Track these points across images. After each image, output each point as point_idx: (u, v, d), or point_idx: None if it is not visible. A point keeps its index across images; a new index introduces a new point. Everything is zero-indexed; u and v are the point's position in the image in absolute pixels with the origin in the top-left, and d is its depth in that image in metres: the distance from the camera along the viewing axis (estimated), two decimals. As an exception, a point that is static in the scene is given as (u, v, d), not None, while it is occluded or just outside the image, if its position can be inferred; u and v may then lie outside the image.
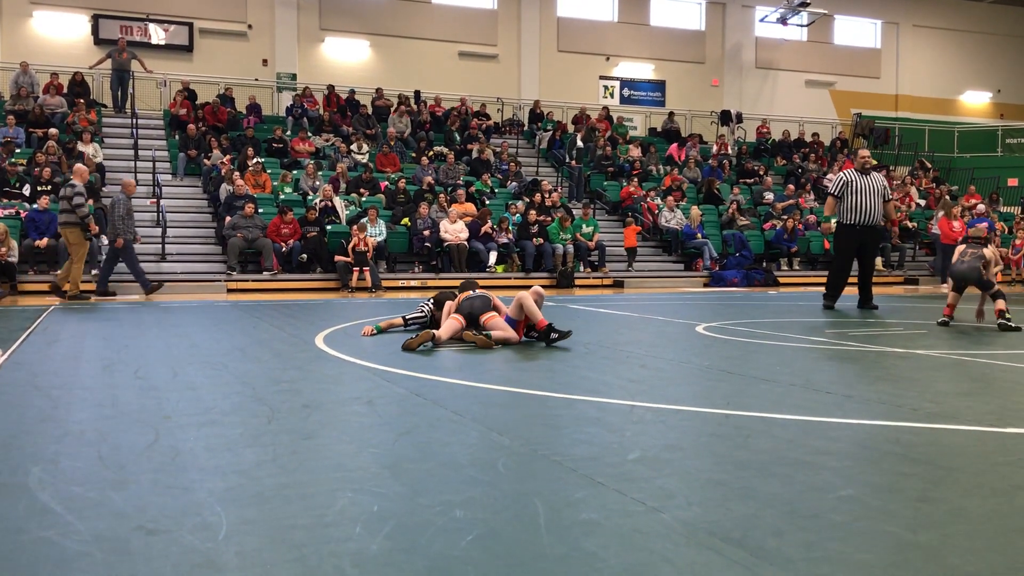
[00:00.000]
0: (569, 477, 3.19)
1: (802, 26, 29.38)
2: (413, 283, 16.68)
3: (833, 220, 12.02)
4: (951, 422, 4.24)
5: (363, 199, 18.18)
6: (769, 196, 22.25)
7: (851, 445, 3.81)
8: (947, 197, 22.81)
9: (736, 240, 19.67)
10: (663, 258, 20.03)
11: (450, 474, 3.24)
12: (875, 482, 3.20)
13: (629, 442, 3.75)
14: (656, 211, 20.49)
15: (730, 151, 25.71)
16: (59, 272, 13.44)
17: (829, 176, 23.55)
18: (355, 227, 16.03)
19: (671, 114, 27.17)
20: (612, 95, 28.53)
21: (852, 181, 11.42)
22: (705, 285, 18.39)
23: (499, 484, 3.10)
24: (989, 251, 9.78)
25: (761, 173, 24.11)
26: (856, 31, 31.77)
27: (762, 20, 29.07)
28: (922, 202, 24.54)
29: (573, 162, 22.29)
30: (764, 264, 19.65)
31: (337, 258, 15.86)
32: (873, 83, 31.75)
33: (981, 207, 20.61)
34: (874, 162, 11.72)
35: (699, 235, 19.56)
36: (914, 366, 6.31)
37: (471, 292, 7.62)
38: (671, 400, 4.76)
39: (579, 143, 22.15)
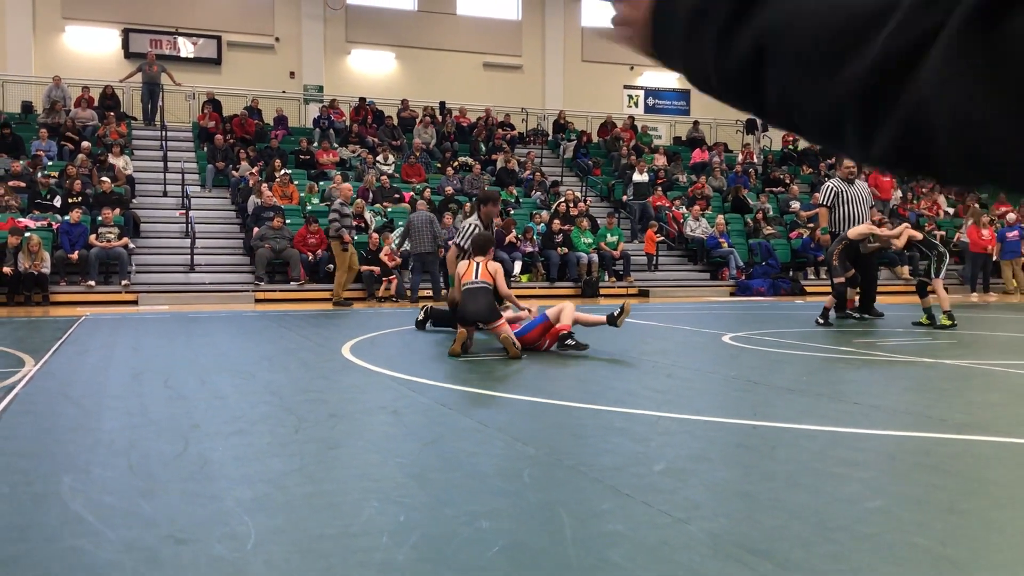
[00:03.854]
0: (595, 488, 3.19)
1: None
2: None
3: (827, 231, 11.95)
4: (982, 433, 4.19)
5: (388, 210, 18.28)
6: (795, 205, 22.10)
7: (879, 456, 3.78)
8: (976, 205, 22.56)
9: (762, 249, 19.54)
10: (688, 267, 19.93)
11: (476, 484, 3.24)
12: (904, 494, 3.18)
13: (655, 453, 3.75)
14: (681, 220, 20.42)
15: (756, 160, 25.58)
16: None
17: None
18: (388, 236, 16.31)
19: (696, 123, 27.09)
20: (636, 104, 28.50)
21: (841, 191, 11.47)
22: (731, 294, 18.28)
23: (525, 495, 3.11)
24: (855, 231, 10.41)
25: (787, 182, 23.97)
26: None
27: (787, 27, 28.97)
28: (950, 210, 24.29)
29: (626, 196, 21.34)
30: (791, 273, 19.50)
31: (363, 268, 15.94)
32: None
33: (1012, 216, 20.37)
34: (856, 169, 11.85)
35: (725, 244, 19.46)
36: (943, 376, 6.24)
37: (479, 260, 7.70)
38: (697, 410, 4.74)
39: (637, 176, 21.04)
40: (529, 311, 7.85)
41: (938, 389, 5.66)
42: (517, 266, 17.51)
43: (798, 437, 4.07)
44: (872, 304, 11.52)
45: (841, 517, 2.86)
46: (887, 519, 2.86)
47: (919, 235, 10.24)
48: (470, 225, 8.97)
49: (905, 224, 10.61)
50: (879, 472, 3.51)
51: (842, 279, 10.23)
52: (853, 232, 10.28)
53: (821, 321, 10.17)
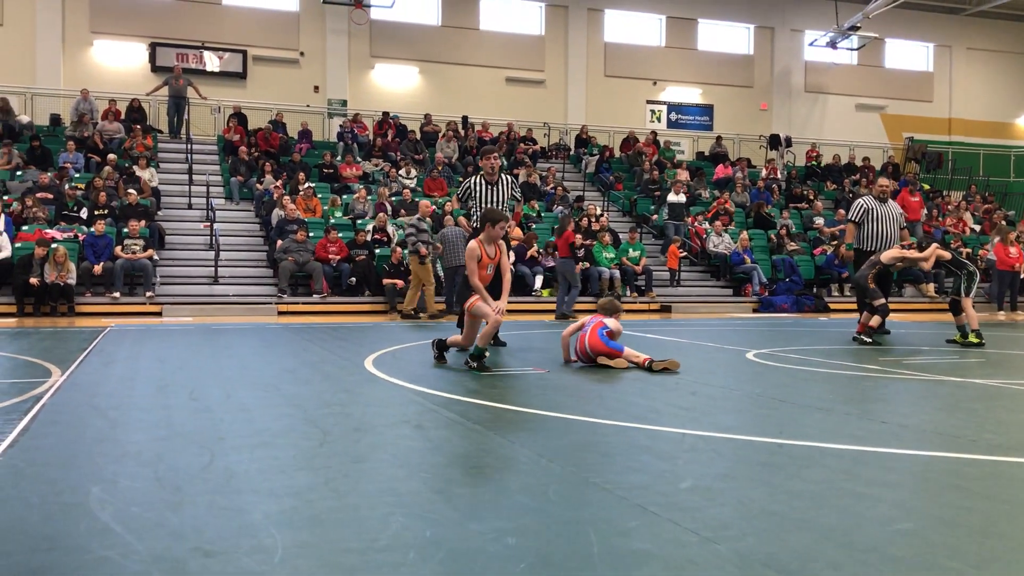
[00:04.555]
0: (621, 505, 3.17)
1: (852, 50, 29.09)
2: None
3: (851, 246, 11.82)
4: (1013, 454, 4.14)
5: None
6: (819, 221, 21.99)
7: (909, 477, 3.73)
8: (1003, 223, 22.34)
9: (786, 265, 19.44)
10: (711, 283, 19.85)
11: (501, 500, 3.23)
12: (935, 515, 3.14)
13: (681, 470, 3.72)
14: (704, 235, 20.35)
15: (779, 175, 25.49)
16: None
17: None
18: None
19: (719, 138, 27.04)
20: (659, 119, 28.48)
21: (871, 208, 11.52)
22: (754, 311, 18.18)
23: (550, 511, 3.09)
24: (887, 255, 10.32)
25: (811, 198, 23.85)
26: (908, 55, 31.38)
27: (811, 44, 28.84)
28: (977, 227, 24.08)
29: (655, 216, 21.08)
30: (814, 290, 19.37)
31: (386, 281, 15.98)
32: (925, 107, 31.28)
33: (1039, 233, 20.14)
34: (890, 190, 11.93)
35: (748, 260, 19.37)
36: (972, 396, 6.17)
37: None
38: (723, 428, 4.71)
39: (672, 197, 20.67)
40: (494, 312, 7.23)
41: (967, 409, 5.59)
42: (538, 280, 17.52)
43: (826, 456, 4.03)
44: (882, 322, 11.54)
45: (871, 538, 2.82)
46: (919, 541, 2.82)
47: (947, 255, 10.16)
48: (470, 181, 8.88)
49: (934, 244, 10.52)
50: (909, 493, 3.47)
51: (883, 300, 10.10)
52: (885, 256, 10.24)
53: (868, 340, 9.95)
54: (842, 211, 22.55)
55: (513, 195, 9.21)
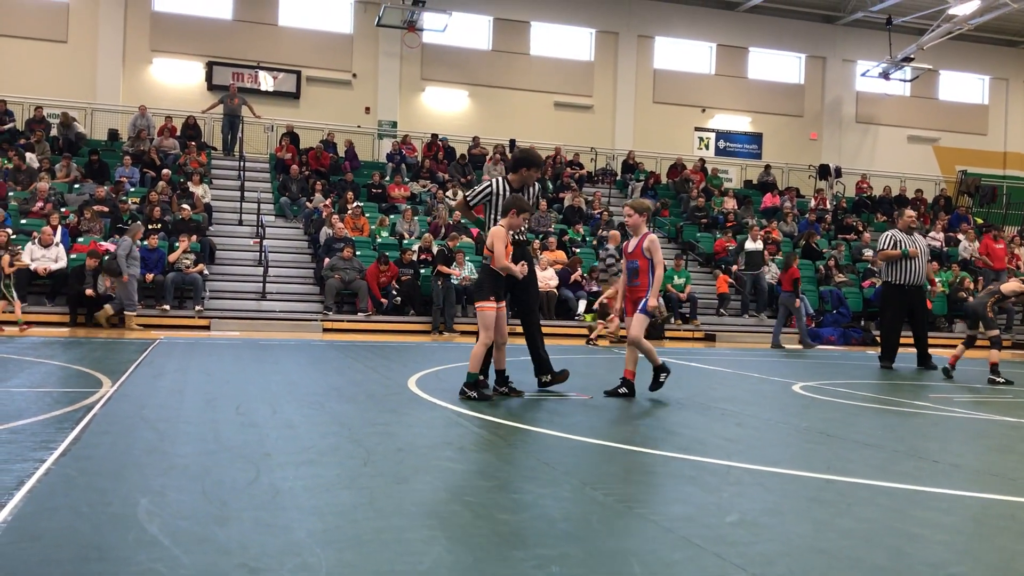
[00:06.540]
0: (665, 537, 3.13)
1: (905, 81, 28.73)
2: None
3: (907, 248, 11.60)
4: (1071, 499, 4.02)
5: (455, 245, 18.42)
6: (868, 253, 21.67)
7: (962, 519, 3.64)
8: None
9: (833, 297, 19.18)
10: (757, 313, 19.62)
11: (544, 527, 3.21)
12: (990, 561, 3.05)
13: (727, 503, 3.67)
14: (750, 265, 20.14)
15: (828, 206, 25.20)
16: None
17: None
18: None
19: (767, 167, 26.84)
20: (707, 147, 28.35)
21: (901, 241, 11.52)
22: (800, 342, 17.92)
23: (593, 540, 3.07)
24: (1008, 286, 10.05)
25: (860, 229, 23.54)
26: (962, 87, 30.91)
27: (864, 75, 28.54)
28: (1032, 263, 23.54)
29: (736, 266, 20.12)
30: (862, 323, 19.08)
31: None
32: (980, 140, 30.75)
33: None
34: (916, 223, 11.93)
35: (794, 290, 19.11)
36: (1027, 437, 6.01)
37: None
38: (769, 462, 4.64)
39: (750, 244, 19.67)
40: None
41: (1022, 451, 5.45)
42: (582, 305, 17.47)
43: (875, 494, 3.95)
44: (928, 355, 11.58)
45: (924, 581, 2.76)
46: (973, 586, 2.75)
47: None
48: (488, 184, 7.57)
49: None
50: (962, 535, 3.38)
51: (996, 332, 9.85)
52: (1006, 288, 10.08)
53: (1000, 381, 9.50)
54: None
55: (535, 201, 7.93)
